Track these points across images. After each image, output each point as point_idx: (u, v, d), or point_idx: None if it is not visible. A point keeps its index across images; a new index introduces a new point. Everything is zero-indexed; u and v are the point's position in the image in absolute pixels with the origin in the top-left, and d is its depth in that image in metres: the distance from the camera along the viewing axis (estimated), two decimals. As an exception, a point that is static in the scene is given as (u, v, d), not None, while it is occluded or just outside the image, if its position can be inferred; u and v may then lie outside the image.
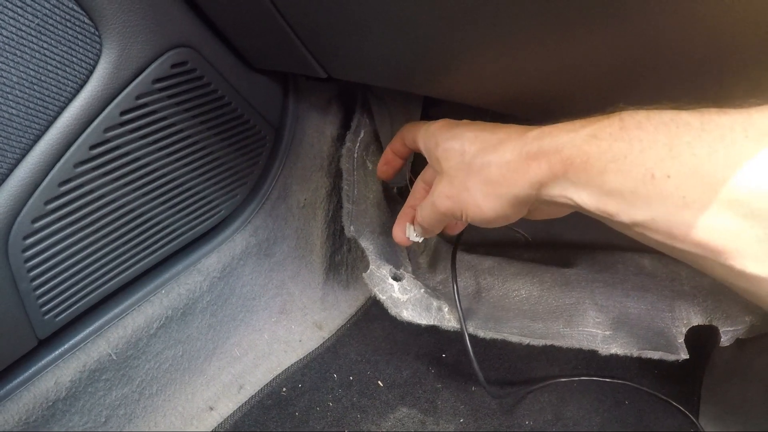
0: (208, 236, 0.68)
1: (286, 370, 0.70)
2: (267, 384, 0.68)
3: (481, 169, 0.38)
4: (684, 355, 0.60)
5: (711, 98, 0.31)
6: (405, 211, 0.53)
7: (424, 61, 0.44)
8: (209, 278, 0.66)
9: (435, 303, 0.59)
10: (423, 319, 0.58)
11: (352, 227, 0.63)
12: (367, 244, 0.62)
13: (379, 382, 0.70)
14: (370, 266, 0.59)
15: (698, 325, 0.64)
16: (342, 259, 0.79)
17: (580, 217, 0.36)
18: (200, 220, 0.65)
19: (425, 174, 0.50)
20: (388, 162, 0.54)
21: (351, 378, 0.70)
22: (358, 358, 0.72)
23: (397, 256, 0.67)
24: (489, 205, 0.38)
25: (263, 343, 0.72)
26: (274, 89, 0.65)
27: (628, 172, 0.30)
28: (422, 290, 0.60)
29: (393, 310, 0.57)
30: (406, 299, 0.58)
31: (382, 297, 0.57)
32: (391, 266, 0.61)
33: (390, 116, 0.65)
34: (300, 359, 0.71)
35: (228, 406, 0.65)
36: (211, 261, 0.67)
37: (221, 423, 0.64)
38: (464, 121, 0.43)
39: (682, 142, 0.28)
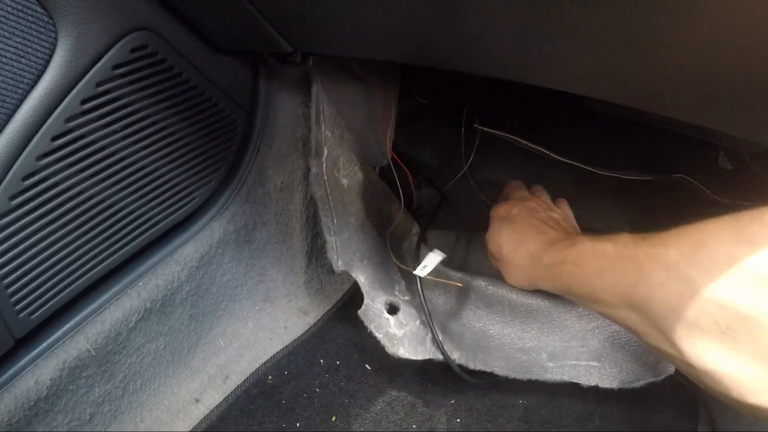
0: (184, 225, 0.67)
1: (272, 357, 0.69)
2: (253, 373, 0.67)
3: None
4: (671, 371, 0.60)
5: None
6: None
7: (406, 26, 0.42)
8: (187, 268, 0.65)
9: (429, 335, 0.60)
10: (419, 355, 0.59)
11: (339, 261, 0.61)
12: (358, 275, 0.61)
13: (367, 365, 0.69)
14: (365, 300, 0.59)
15: None
16: (324, 242, 0.77)
17: None
18: (174, 209, 0.63)
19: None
20: None
21: (338, 363, 0.69)
22: (344, 343, 0.72)
23: (390, 275, 0.66)
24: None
25: (248, 331, 0.71)
26: (242, 71, 0.63)
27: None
28: (417, 321, 0.60)
29: (390, 350, 0.58)
30: (402, 334, 0.59)
31: (378, 335, 0.58)
32: (386, 295, 0.61)
33: (367, 94, 0.63)
34: (286, 346, 0.71)
35: (214, 397, 0.65)
36: (188, 250, 0.65)
37: (208, 414, 0.63)
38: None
39: None
